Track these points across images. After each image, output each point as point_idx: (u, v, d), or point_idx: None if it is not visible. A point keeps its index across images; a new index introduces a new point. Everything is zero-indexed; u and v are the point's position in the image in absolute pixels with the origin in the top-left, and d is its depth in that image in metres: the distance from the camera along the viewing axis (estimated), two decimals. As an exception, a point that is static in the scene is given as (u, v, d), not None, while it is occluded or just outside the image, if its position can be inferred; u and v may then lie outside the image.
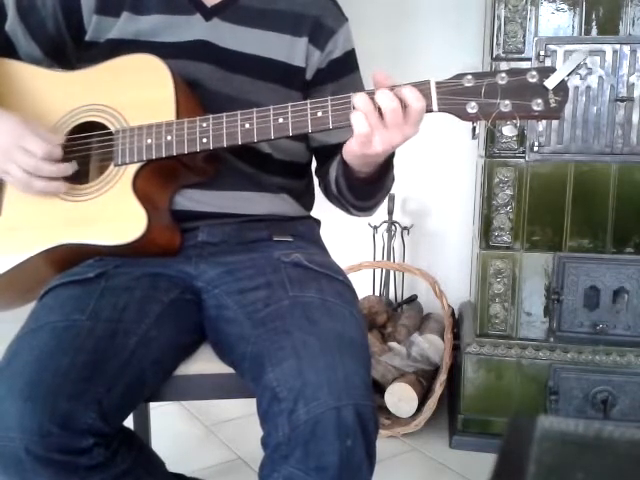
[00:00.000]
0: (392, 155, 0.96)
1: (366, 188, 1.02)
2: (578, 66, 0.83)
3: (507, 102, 0.84)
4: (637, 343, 1.64)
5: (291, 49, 1.08)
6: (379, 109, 0.85)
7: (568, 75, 0.83)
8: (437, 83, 0.86)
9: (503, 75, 0.84)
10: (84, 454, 0.80)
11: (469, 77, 0.85)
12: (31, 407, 0.77)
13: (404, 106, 0.85)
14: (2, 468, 0.79)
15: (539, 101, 0.84)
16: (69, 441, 0.78)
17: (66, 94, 1.03)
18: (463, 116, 0.86)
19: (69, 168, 0.98)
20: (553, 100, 0.84)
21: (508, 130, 0.87)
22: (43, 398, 0.78)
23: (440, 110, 0.86)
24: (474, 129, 0.87)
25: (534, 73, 0.84)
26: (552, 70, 0.84)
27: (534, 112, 0.84)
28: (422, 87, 0.86)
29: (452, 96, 0.85)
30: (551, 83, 0.83)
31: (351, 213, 1.14)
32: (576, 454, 0.47)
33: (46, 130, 0.99)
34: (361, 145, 0.88)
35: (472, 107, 0.85)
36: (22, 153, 0.95)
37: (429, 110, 0.86)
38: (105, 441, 0.82)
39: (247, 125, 0.93)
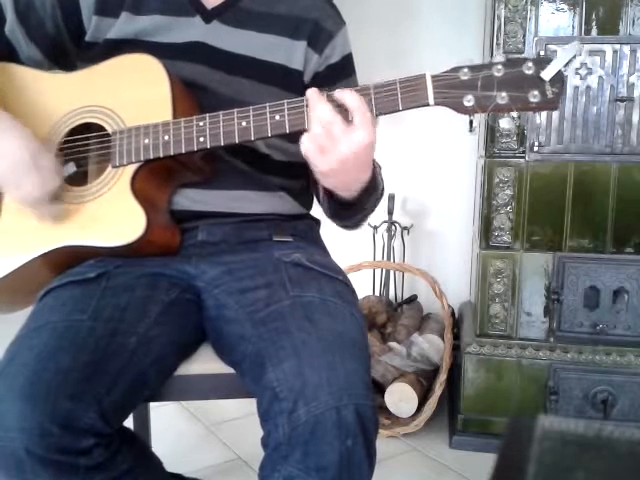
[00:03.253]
0: (373, 179, 0.95)
1: (345, 210, 1.02)
2: (574, 57, 0.83)
3: (504, 94, 0.84)
4: (637, 343, 1.64)
5: (290, 52, 1.08)
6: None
7: (564, 66, 0.83)
8: (433, 77, 0.86)
9: (499, 67, 0.84)
10: (84, 454, 0.79)
11: (465, 70, 0.85)
12: (31, 407, 0.77)
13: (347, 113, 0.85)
14: (2, 468, 0.79)
15: (536, 92, 0.84)
16: (69, 441, 0.78)
17: (63, 96, 1.03)
18: (459, 109, 0.86)
19: (60, 209, 0.98)
20: (550, 91, 0.84)
21: (505, 122, 0.87)
22: (43, 398, 0.78)
23: (436, 103, 0.86)
24: (471, 122, 0.87)
25: (530, 65, 0.84)
26: (548, 61, 0.84)
27: (531, 104, 0.84)
28: (417, 81, 0.85)
29: (448, 89, 0.85)
30: (547, 74, 0.83)
31: (341, 227, 1.15)
32: (576, 454, 0.47)
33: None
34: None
35: (469, 100, 0.85)
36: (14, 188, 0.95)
37: (425, 104, 0.86)
38: (105, 441, 0.81)
39: (244, 123, 0.93)
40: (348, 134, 0.84)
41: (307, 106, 0.89)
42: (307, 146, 0.86)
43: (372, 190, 0.97)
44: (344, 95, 0.86)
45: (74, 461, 0.79)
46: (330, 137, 0.85)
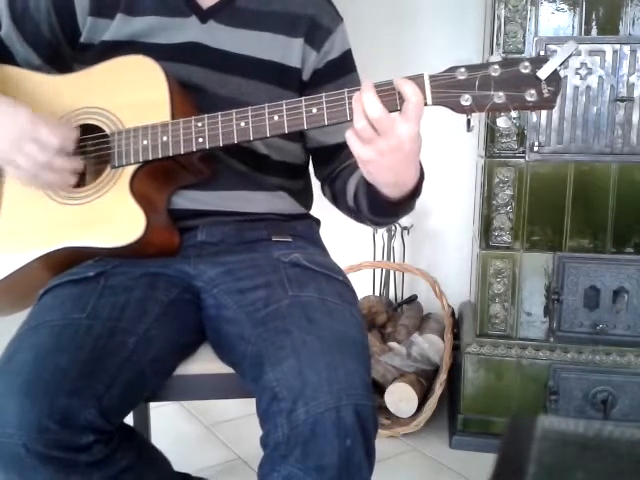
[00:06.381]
0: (422, 179, 0.93)
1: (390, 208, 0.96)
2: (570, 56, 0.83)
3: (501, 94, 0.84)
4: (637, 343, 1.64)
5: (286, 50, 1.07)
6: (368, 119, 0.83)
7: (560, 65, 0.83)
8: (431, 76, 0.86)
9: (496, 67, 0.85)
10: (84, 451, 0.79)
11: (462, 70, 0.86)
12: (30, 404, 0.77)
13: (401, 102, 0.84)
14: (2, 465, 0.79)
15: (532, 92, 0.84)
16: (68, 438, 0.78)
17: (60, 98, 1.02)
18: (457, 109, 0.86)
19: (80, 162, 0.98)
20: (546, 90, 0.84)
21: (502, 122, 0.87)
22: (42, 395, 0.78)
23: (434, 103, 0.86)
24: (469, 121, 0.87)
25: (527, 64, 0.84)
26: (544, 60, 0.84)
27: (528, 103, 0.85)
28: (415, 81, 0.86)
29: (446, 89, 0.86)
30: (544, 73, 0.84)
31: (365, 224, 1.10)
32: (576, 454, 0.47)
33: (58, 123, 0.98)
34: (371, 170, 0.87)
35: (466, 99, 0.85)
36: (35, 145, 0.93)
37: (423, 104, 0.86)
38: (105, 438, 0.81)
39: (243, 124, 0.93)
40: (393, 129, 0.83)
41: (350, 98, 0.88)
42: (349, 135, 0.85)
43: (418, 192, 0.94)
44: (406, 86, 0.83)
45: (73, 457, 0.79)
46: (374, 130, 0.83)
